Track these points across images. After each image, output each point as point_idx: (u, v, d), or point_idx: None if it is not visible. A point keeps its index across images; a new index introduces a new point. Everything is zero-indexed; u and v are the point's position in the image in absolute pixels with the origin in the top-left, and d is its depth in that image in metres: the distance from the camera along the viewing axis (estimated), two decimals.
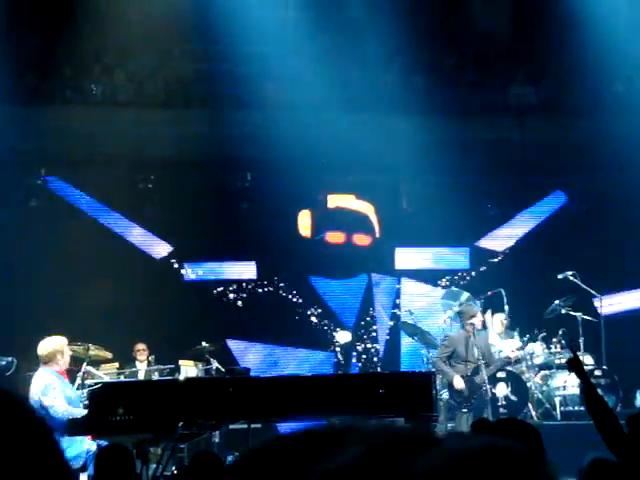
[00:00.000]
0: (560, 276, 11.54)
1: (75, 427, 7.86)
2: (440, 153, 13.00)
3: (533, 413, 10.27)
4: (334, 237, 13.34)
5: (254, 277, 12.92)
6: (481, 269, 13.20)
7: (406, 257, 13.37)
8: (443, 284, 13.10)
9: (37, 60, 13.37)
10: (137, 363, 10.56)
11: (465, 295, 11.39)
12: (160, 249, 12.60)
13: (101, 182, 11.86)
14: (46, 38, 13.95)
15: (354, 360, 12.89)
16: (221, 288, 12.80)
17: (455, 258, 13.48)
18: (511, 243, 13.41)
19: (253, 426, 8.76)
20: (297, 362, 12.67)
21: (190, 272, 12.78)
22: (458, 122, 13.44)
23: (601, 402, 4.92)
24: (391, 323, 13.17)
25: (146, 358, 10.53)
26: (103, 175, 11.80)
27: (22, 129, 12.23)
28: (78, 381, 8.60)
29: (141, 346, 10.65)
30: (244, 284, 12.92)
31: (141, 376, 10.15)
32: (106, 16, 14.71)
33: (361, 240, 13.41)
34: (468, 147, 13.23)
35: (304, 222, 13.17)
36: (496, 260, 13.28)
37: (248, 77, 14.03)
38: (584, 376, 5.19)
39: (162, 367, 10.05)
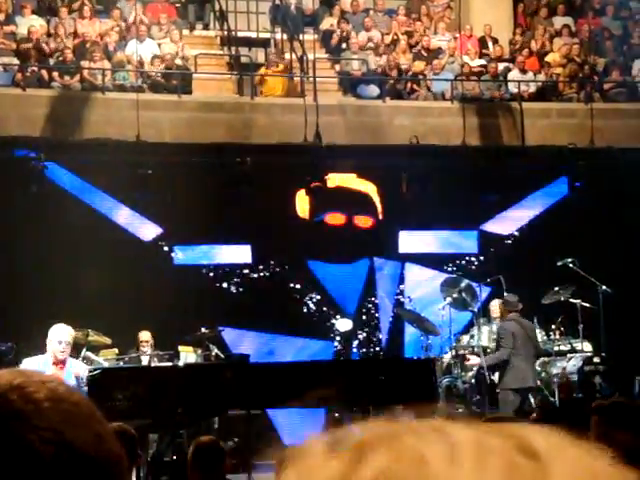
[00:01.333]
0: (559, 263, 11.55)
1: None
2: (441, 138, 13.00)
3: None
4: (334, 219, 12.82)
5: (249, 261, 12.46)
6: (489, 254, 12.98)
7: (410, 240, 12.97)
8: (450, 269, 12.84)
9: (37, 43, 13.31)
10: (140, 353, 10.33)
11: (465, 282, 11.38)
12: (152, 232, 12.33)
13: (99, 167, 11.80)
14: (47, 21, 13.89)
15: (355, 349, 12.53)
16: (213, 273, 12.37)
17: (463, 242, 13.15)
18: (516, 227, 13.29)
19: (252, 412, 8.79)
20: (295, 351, 12.18)
21: (181, 255, 12.45)
22: (458, 107, 13.42)
23: None
24: (394, 310, 12.83)
25: (150, 348, 10.30)
26: (102, 160, 11.74)
27: (22, 114, 12.19)
28: None
29: (145, 336, 10.27)
30: (238, 268, 12.45)
31: (143, 363, 10.05)
32: (107, 1, 14.67)
33: (363, 222, 12.95)
34: (470, 131, 13.20)
35: (302, 203, 12.67)
36: (505, 243, 13.13)
37: (247, 62, 13.99)
38: None
39: (161, 353, 10.02)
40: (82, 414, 0.82)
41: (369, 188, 13.01)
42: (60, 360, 8.23)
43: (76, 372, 8.15)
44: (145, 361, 10.03)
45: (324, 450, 0.64)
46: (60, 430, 0.79)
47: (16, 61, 13.18)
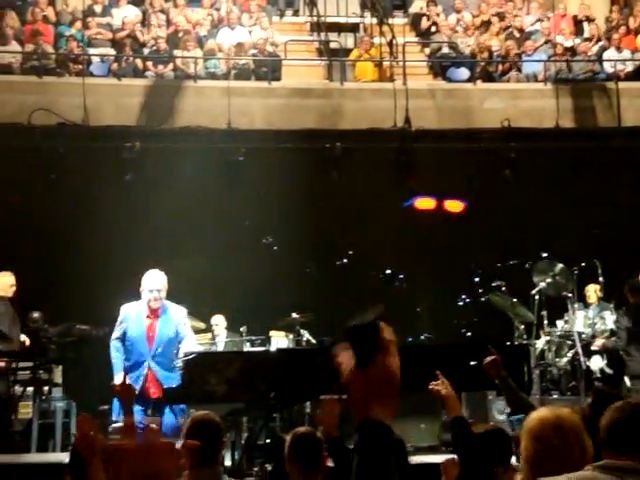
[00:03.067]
0: None
1: (171, 396, 8.06)
2: (534, 121, 12.77)
3: (629, 385, 10.02)
4: (424, 203, 12.69)
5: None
6: (584, 237, 12.73)
7: None
8: (543, 253, 12.61)
9: (132, 33, 13.57)
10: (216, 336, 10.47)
11: (559, 266, 11.16)
12: (246, 220, 12.45)
13: (192, 155, 11.97)
14: (142, 11, 14.15)
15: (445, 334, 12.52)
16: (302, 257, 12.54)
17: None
18: (612, 211, 12.95)
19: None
20: None
21: (272, 240, 12.53)
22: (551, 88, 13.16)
23: (521, 402, 5.00)
24: (486, 295, 12.69)
25: (224, 331, 10.42)
26: (194, 148, 11.92)
27: (118, 103, 12.46)
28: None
29: (215, 320, 10.43)
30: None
31: (220, 348, 10.17)
32: None
33: (453, 206, 12.96)
34: (563, 113, 12.94)
35: (392, 188, 12.47)
36: (600, 226, 12.83)
37: (337, 47, 13.98)
38: (502, 378, 5.11)
39: (254, 338, 10.15)
40: None
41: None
42: (154, 309, 8.33)
43: (176, 318, 8.28)
44: (234, 345, 10.14)
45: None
46: None
47: (112, 51, 13.47)
